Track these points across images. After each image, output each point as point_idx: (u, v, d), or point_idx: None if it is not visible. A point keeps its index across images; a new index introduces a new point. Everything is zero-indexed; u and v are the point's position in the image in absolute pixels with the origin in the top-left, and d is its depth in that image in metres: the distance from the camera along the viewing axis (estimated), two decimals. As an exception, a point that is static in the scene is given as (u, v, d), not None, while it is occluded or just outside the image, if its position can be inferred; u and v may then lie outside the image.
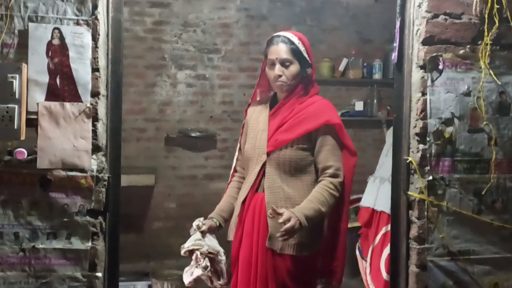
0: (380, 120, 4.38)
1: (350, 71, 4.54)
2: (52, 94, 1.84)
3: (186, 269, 2.14)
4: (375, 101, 4.54)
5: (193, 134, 4.30)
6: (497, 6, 2.03)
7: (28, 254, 1.86)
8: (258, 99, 2.30)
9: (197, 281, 2.11)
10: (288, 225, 1.83)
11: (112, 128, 1.93)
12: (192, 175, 4.43)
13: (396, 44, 2.08)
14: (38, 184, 1.85)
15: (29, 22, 1.83)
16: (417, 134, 2.05)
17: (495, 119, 2.09)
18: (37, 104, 1.83)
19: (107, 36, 1.91)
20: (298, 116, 2.06)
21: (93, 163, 1.88)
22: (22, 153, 1.81)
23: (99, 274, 1.90)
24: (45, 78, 1.84)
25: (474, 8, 2.04)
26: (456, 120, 2.05)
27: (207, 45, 4.38)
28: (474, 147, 2.08)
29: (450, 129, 2.05)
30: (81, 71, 1.85)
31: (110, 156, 1.93)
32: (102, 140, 1.90)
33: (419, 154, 2.04)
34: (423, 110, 2.03)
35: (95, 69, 1.87)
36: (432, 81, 2.03)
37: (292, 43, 2.05)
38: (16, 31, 1.83)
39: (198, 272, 2.09)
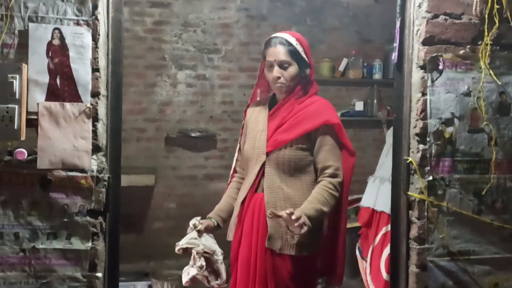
0: (380, 120, 4.38)
1: (350, 71, 4.54)
2: (52, 94, 1.84)
3: (185, 268, 2.14)
4: (375, 101, 4.54)
5: (193, 134, 4.30)
6: (497, 6, 2.03)
7: (28, 254, 1.86)
8: (258, 99, 2.30)
9: (194, 280, 2.11)
10: (301, 220, 1.81)
11: (112, 128, 1.93)
12: (192, 175, 4.43)
13: (396, 44, 2.08)
14: (38, 184, 1.86)
15: (29, 22, 1.83)
16: (417, 134, 2.05)
17: (495, 119, 2.09)
18: (37, 104, 1.83)
19: (107, 36, 1.91)
20: (297, 116, 2.06)
21: (93, 163, 1.88)
22: (22, 153, 1.81)
23: (99, 274, 1.90)
24: (45, 78, 1.84)
25: (474, 8, 2.04)
26: (456, 120, 2.05)
27: (207, 45, 4.38)
28: (474, 147, 2.08)
29: (450, 129, 2.05)
30: (81, 71, 1.85)
31: (110, 156, 1.93)
32: (102, 140, 1.90)
33: (419, 154, 2.04)
34: (423, 110, 2.03)
35: (95, 69, 1.87)
36: (432, 81, 2.03)
37: (290, 44, 2.05)
38: (16, 31, 1.83)
39: (193, 271, 2.09)
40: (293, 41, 2.05)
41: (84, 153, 1.87)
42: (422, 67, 2.03)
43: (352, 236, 3.52)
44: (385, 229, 2.91)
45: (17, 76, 1.79)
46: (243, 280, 2.06)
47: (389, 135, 3.28)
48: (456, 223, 2.07)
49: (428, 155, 2.04)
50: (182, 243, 2.06)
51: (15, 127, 1.78)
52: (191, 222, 2.12)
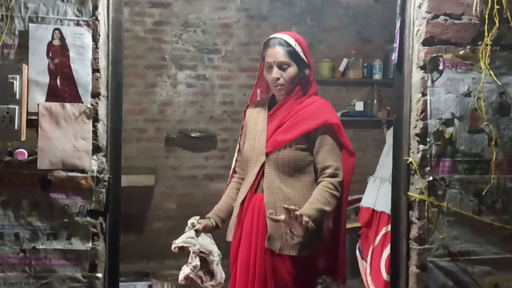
0: (380, 120, 4.38)
1: (350, 71, 4.54)
2: (53, 94, 1.84)
3: (183, 267, 2.15)
4: (375, 101, 4.54)
5: (193, 135, 4.30)
6: (497, 7, 2.03)
7: (28, 254, 1.86)
8: (258, 99, 2.30)
9: (188, 279, 2.11)
10: (304, 220, 1.81)
11: (112, 129, 1.93)
12: (192, 175, 4.44)
13: (396, 45, 2.08)
14: (38, 184, 1.86)
15: (30, 23, 1.83)
16: (417, 135, 2.05)
17: (495, 119, 2.09)
18: (38, 104, 1.83)
19: (108, 36, 1.91)
20: (296, 117, 2.06)
21: (94, 163, 1.88)
22: (22, 153, 1.81)
23: (100, 275, 1.90)
24: (46, 79, 1.84)
25: (474, 8, 2.04)
26: (456, 121, 2.05)
27: (207, 45, 4.38)
28: (474, 148, 2.08)
29: (450, 130, 2.05)
30: (82, 71, 1.85)
31: (111, 156, 1.93)
32: (103, 140, 1.91)
33: (419, 155, 2.04)
34: (423, 110, 2.03)
35: (95, 70, 1.87)
36: (432, 81, 2.03)
37: (289, 45, 2.04)
38: (16, 32, 1.83)
39: (187, 270, 2.09)
40: (292, 41, 2.05)
41: (84, 154, 1.87)
42: (422, 68, 2.03)
43: (352, 236, 3.52)
44: (385, 229, 2.91)
45: (18, 76, 1.79)
46: (243, 281, 2.06)
47: (389, 135, 3.28)
48: (456, 223, 2.07)
49: (428, 156, 2.04)
50: (178, 242, 2.06)
51: (16, 128, 1.78)
52: (189, 221, 2.12)
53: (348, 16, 4.60)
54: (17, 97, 1.79)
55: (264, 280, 2.00)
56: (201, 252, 2.08)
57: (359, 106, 4.56)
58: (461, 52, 2.05)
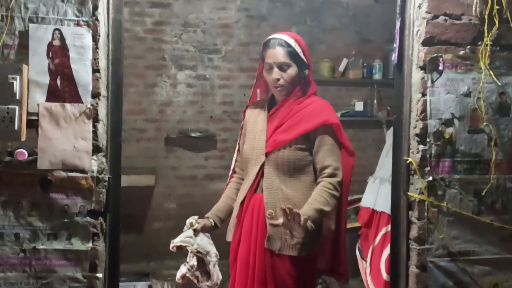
0: (380, 120, 4.38)
1: (350, 71, 4.54)
2: (53, 95, 1.84)
3: (181, 266, 2.15)
4: (375, 101, 4.54)
5: (193, 135, 4.30)
6: (497, 7, 2.03)
7: (28, 255, 1.86)
8: (258, 99, 2.30)
9: (185, 279, 2.11)
10: (303, 222, 1.80)
11: (112, 129, 1.93)
12: (192, 175, 4.44)
13: (396, 45, 2.09)
14: (38, 185, 1.86)
15: (30, 23, 1.83)
16: (417, 135, 2.05)
17: (495, 119, 2.09)
18: (38, 105, 1.83)
19: (108, 37, 1.91)
20: (296, 117, 2.06)
21: (94, 163, 1.89)
22: (22, 154, 1.82)
23: (100, 275, 1.90)
24: (46, 79, 1.84)
25: (474, 9, 2.04)
26: (456, 121, 2.06)
27: (207, 45, 4.39)
28: (474, 148, 2.08)
29: (450, 130, 2.06)
30: (82, 72, 1.85)
31: (111, 156, 1.93)
32: (103, 141, 1.91)
33: (419, 155, 2.04)
34: (423, 110, 2.03)
35: (95, 70, 1.87)
36: (432, 82, 2.03)
37: (289, 45, 2.04)
38: (16, 32, 1.83)
39: (184, 270, 2.10)
40: (292, 42, 2.05)
41: (84, 154, 1.87)
42: (422, 68, 2.03)
43: (352, 236, 3.52)
44: (385, 229, 2.91)
45: (18, 77, 1.79)
46: (242, 281, 2.06)
47: (389, 135, 3.28)
48: (456, 223, 2.07)
49: (428, 156, 2.04)
50: (176, 241, 2.06)
51: (16, 128, 1.78)
52: (188, 221, 2.12)
53: (348, 16, 4.60)
54: (17, 97, 1.79)
55: (263, 280, 2.01)
56: (198, 252, 2.07)
57: (359, 106, 4.56)
58: (461, 53, 2.05)
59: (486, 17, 2.04)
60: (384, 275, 2.88)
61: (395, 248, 2.14)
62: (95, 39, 1.87)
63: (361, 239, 3.29)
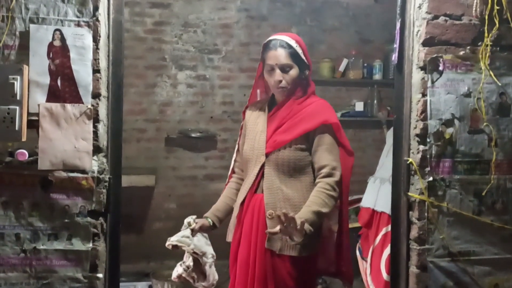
0: (380, 120, 4.38)
1: (350, 72, 4.54)
2: (53, 95, 1.84)
3: (178, 264, 2.15)
4: (375, 101, 4.54)
5: (193, 135, 4.30)
6: (497, 7, 2.03)
7: (29, 255, 1.86)
8: (257, 99, 2.31)
9: (181, 278, 2.11)
10: (299, 227, 1.80)
11: (113, 129, 1.93)
12: (192, 175, 4.44)
13: (396, 45, 2.09)
14: (39, 185, 1.86)
15: (30, 24, 1.83)
16: (417, 135, 2.05)
17: (495, 120, 2.09)
18: (38, 105, 1.83)
19: (108, 37, 1.91)
20: (296, 117, 2.06)
21: (94, 164, 1.89)
22: (23, 154, 1.82)
23: (100, 275, 1.90)
24: (46, 80, 1.84)
25: (474, 9, 2.04)
26: (456, 121, 2.06)
27: (208, 45, 4.39)
28: (474, 148, 2.08)
29: (450, 130, 2.06)
30: (82, 72, 1.85)
31: (111, 157, 1.93)
32: (103, 141, 1.91)
33: (419, 155, 2.04)
34: (424, 111, 2.03)
35: (96, 71, 1.87)
36: (432, 82, 2.03)
37: (290, 47, 2.04)
38: (17, 33, 1.83)
39: (180, 270, 2.10)
40: (293, 43, 2.05)
41: (85, 154, 1.87)
42: (422, 68, 2.03)
43: (352, 236, 3.51)
44: (385, 229, 2.91)
45: (18, 77, 1.79)
46: (242, 281, 2.06)
47: (389, 135, 3.28)
48: (456, 223, 2.07)
49: (428, 156, 2.04)
50: (173, 239, 2.05)
51: (16, 128, 1.79)
52: (186, 220, 2.12)
53: (348, 16, 4.61)
54: (18, 97, 1.79)
55: (264, 280, 2.01)
56: (194, 253, 2.07)
57: (359, 106, 4.56)
58: (461, 53, 2.05)
59: (486, 17, 2.04)
60: (385, 275, 2.88)
61: (395, 248, 2.14)
62: (96, 40, 1.87)
63: (361, 239, 3.30)
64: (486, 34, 2.05)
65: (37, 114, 1.83)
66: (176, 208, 4.38)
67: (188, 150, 4.41)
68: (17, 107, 1.79)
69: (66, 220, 1.87)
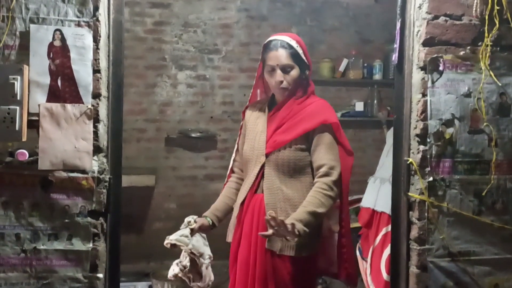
0: (381, 120, 4.38)
1: (351, 72, 4.54)
2: (54, 95, 1.84)
3: (174, 262, 2.14)
4: (375, 101, 4.54)
5: (193, 135, 4.30)
6: (498, 7, 2.03)
7: (29, 255, 1.86)
8: (258, 99, 2.30)
9: (177, 278, 2.11)
10: (289, 228, 1.80)
11: (113, 129, 1.93)
12: (192, 175, 4.44)
13: (396, 45, 2.09)
14: (39, 185, 1.86)
15: (31, 24, 1.83)
16: (417, 135, 2.05)
17: (495, 120, 2.09)
18: (39, 105, 1.83)
19: (108, 37, 1.91)
20: (296, 117, 2.06)
21: (94, 164, 1.89)
22: (23, 154, 1.82)
23: (100, 275, 1.90)
24: (47, 80, 1.84)
25: (474, 9, 2.04)
26: (456, 121, 2.06)
27: (208, 45, 4.39)
28: (475, 148, 2.08)
29: (450, 130, 2.06)
30: (82, 72, 1.85)
31: (111, 157, 1.93)
32: (103, 141, 1.91)
33: (419, 155, 2.04)
34: (424, 111, 2.03)
35: (96, 71, 1.87)
36: (433, 82, 2.03)
37: (291, 47, 2.04)
38: (17, 33, 1.83)
39: (176, 269, 2.10)
40: (293, 44, 2.05)
41: (85, 154, 1.87)
42: (423, 68, 2.04)
43: (353, 236, 3.51)
44: (386, 229, 2.91)
45: (18, 77, 1.79)
46: (243, 281, 2.06)
47: (389, 135, 3.28)
48: (457, 223, 2.07)
49: (428, 156, 2.04)
50: (172, 238, 2.04)
51: (17, 128, 1.79)
52: (186, 219, 2.11)
53: (348, 16, 4.61)
54: (18, 98, 1.79)
55: (264, 280, 2.01)
56: (192, 253, 2.07)
57: (359, 106, 4.57)
58: (461, 53, 2.06)
59: (487, 17, 2.04)
60: (385, 275, 2.88)
61: (395, 248, 2.14)
62: (96, 40, 1.87)
63: (362, 239, 3.29)
64: (486, 34, 2.05)
65: (37, 114, 1.83)
66: (176, 208, 4.38)
67: (188, 150, 4.41)
68: (18, 107, 1.79)
69: (66, 220, 1.87)
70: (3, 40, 1.81)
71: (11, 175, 1.84)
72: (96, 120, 1.88)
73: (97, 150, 1.89)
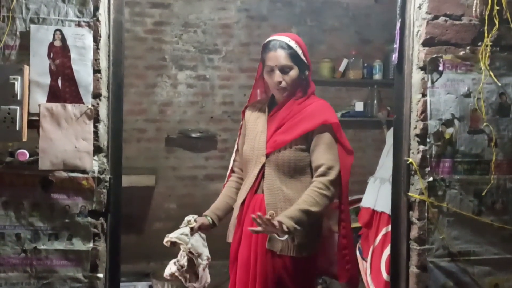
0: (381, 120, 4.38)
1: (350, 72, 4.54)
2: (54, 95, 1.85)
3: (171, 261, 2.14)
4: (375, 101, 4.54)
5: (193, 135, 4.30)
6: (497, 8, 2.03)
7: (29, 255, 1.87)
8: (258, 99, 2.30)
9: (174, 277, 2.11)
10: (277, 226, 1.81)
11: (113, 129, 1.94)
12: (192, 175, 4.44)
13: (396, 46, 2.09)
14: (39, 185, 1.86)
15: (31, 24, 1.83)
16: (417, 135, 2.05)
17: (495, 120, 2.09)
18: (39, 105, 1.83)
19: (109, 37, 1.91)
20: (296, 117, 2.06)
21: (95, 164, 1.89)
22: (23, 154, 1.82)
23: (101, 275, 1.90)
24: (47, 80, 1.84)
25: (474, 9, 2.04)
26: (456, 121, 2.06)
27: (208, 45, 4.39)
28: (474, 148, 2.08)
29: (450, 130, 2.06)
30: (83, 72, 1.86)
31: (111, 157, 1.93)
32: (104, 141, 1.91)
33: (419, 155, 2.04)
34: (424, 111, 2.04)
35: (96, 71, 1.87)
36: (432, 82, 2.03)
37: (290, 47, 2.04)
38: (17, 33, 1.83)
39: (173, 268, 2.09)
40: (293, 44, 2.05)
41: (85, 154, 1.87)
42: (422, 68, 2.04)
43: (353, 236, 3.52)
44: (386, 229, 2.91)
45: (19, 77, 1.79)
46: (243, 282, 2.06)
47: (389, 135, 3.28)
48: (456, 223, 2.07)
49: (428, 156, 2.04)
50: (172, 236, 2.04)
51: (17, 128, 1.79)
52: (187, 218, 2.11)
53: (348, 16, 4.61)
54: (19, 98, 1.79)
55: (265, 280, 2.01)
56: (190, 252, 2.07)
57: (359, 106, 4.57)
58: (461, 53, 2.06)
59: (486, 17, 2.04)
60: (385, 275, 2.88)
61: (395, 249, 2.14)
62: (96, 40, 1.87)
63: (362, 239, 3.30)
64: (486, 34, 2.05)
65: (38, 114, 1.84)
66: (176, 208, 4.38)
67: (188, 150, 4.41)
68: (18, 107, 1.79)
69: (66, 220, 1.88)
70: (4, 40, 1.81)
71: (12, 175, 1.84)
72: (97, 120, 1.88)
73: (97, 150, 1.89)
